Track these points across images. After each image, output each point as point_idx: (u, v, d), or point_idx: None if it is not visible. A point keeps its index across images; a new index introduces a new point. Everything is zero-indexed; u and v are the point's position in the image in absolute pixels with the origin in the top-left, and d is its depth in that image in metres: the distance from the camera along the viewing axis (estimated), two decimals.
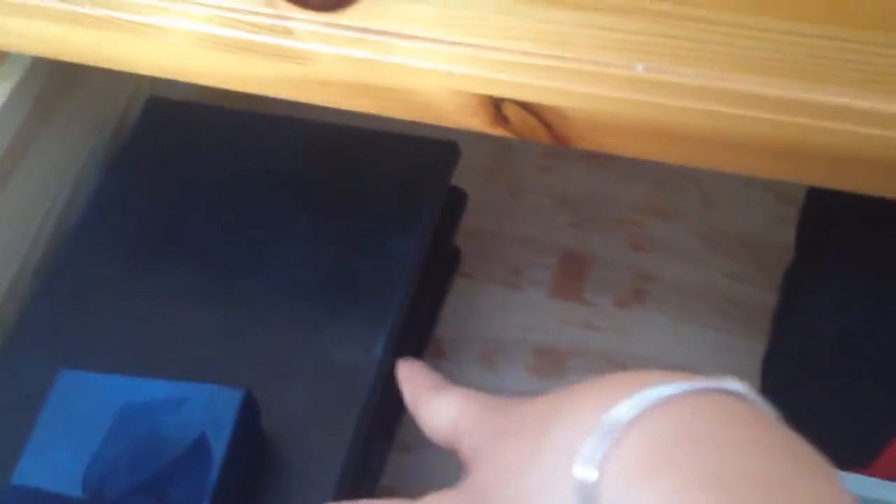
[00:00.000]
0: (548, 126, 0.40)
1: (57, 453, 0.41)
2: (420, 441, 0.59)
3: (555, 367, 0.62)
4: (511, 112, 0.40)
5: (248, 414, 0.43)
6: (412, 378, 0.39)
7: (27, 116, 0.52)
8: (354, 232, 0.52)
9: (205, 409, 0.42)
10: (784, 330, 0.50)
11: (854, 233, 0.49)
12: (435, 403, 0.37)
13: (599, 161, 0.71)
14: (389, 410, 0.53)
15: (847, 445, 0.50)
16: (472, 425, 0.34)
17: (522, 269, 0.66)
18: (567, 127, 0.40)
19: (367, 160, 0.55)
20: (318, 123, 0.57)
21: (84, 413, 0.42)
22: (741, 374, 0.58)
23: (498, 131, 0.41)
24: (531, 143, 0.71)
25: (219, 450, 0.41)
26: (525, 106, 0.39)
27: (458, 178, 0.61)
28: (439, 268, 0.57)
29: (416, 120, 0.42)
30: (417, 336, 0.57)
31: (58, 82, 0.53)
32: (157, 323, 0.50)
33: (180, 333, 0.49)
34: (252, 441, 0.44)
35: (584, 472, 0.25)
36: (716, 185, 0.69)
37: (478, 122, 0.41)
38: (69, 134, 0.55)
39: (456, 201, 0.58)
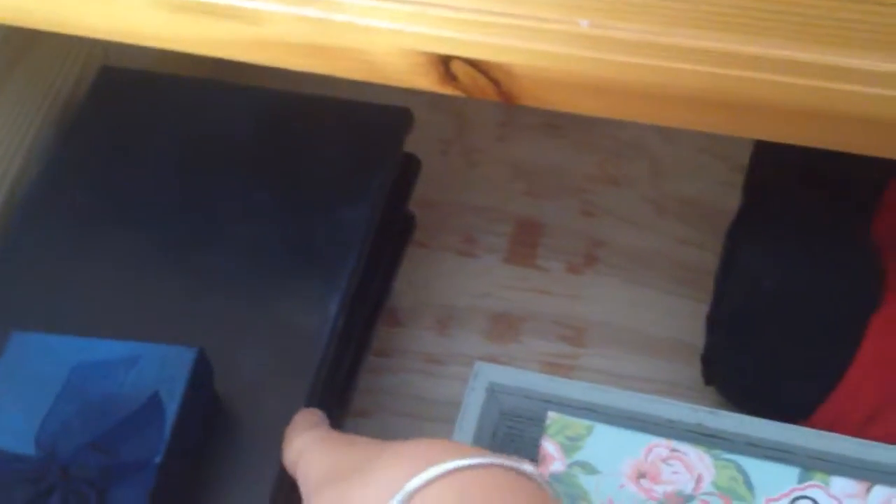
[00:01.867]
0: (496, 83, 0.41)
1: (10, 413, 0.41)
2: (378, 406, 0.60)
3: (509, 332, 0.63)
4: (459, 70, 0.41)
5: (202, 373, 0.43)
6: (298, 418, 0.43)
7: None
8: (308, 198, 0.53)
9: (158, 369, 0.42)
10: (726, 285, 0.51)
11: (793, 190, 0.50)
12: (292, 442, 0.41)
13: (553, 131, 0.72)
14: (342, 377, 0.54)
15: (789, 397, 0.52)
16: (305, 469, 0.38)
17: (477, 237, 0.67)
18: (514, 84, 0.40)
19: (321, 127, 0.55)
20: (271, 91, 0.57)
21: (37, 373, 0.42)
22: (691, 335, 0.60)
23: (447, 90, 0.42)
24: (486, 113, 0.73)
25: (172, 408, 0.41)
26: (473, 63, 0.40)
27: (414, 148, 0.62)
28: (393, 233, 0.58)
29: (366, 80, 0.43)
30: (372, 303, 0.57)
31: (10, 51, 0.53)
32: (112, 290, 0.50)
33: (134, 300, 0.49)
34: (205, 400, 0.45)
35: None
36: (667, 153, 0.70)
37: (427, 82, 0.42)
38: (22, 103, 0.55)
39: (410, 168, 0.59)
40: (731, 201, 0.65)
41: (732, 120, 0.39)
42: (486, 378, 0.51)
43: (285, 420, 0.45)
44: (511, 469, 0.32)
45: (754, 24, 0.37)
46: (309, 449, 0.39)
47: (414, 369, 0.62)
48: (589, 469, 0.46)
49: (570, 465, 0.46)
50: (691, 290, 0.64)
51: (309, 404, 0.46)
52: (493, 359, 0.60)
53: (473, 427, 0.50)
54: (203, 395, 0.44)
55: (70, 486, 0.38)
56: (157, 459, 0.40)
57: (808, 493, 0.44)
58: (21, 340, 0.44)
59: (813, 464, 0.47)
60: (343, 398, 0.55)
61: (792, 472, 0.45)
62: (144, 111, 0.57)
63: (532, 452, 0.54)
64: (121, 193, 0.54)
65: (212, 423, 0.45)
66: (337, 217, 0.52)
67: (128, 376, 0.42)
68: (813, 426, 0.48)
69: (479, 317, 0.64)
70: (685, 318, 0.62)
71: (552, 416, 0.48)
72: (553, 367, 0.61)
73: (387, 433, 0.59)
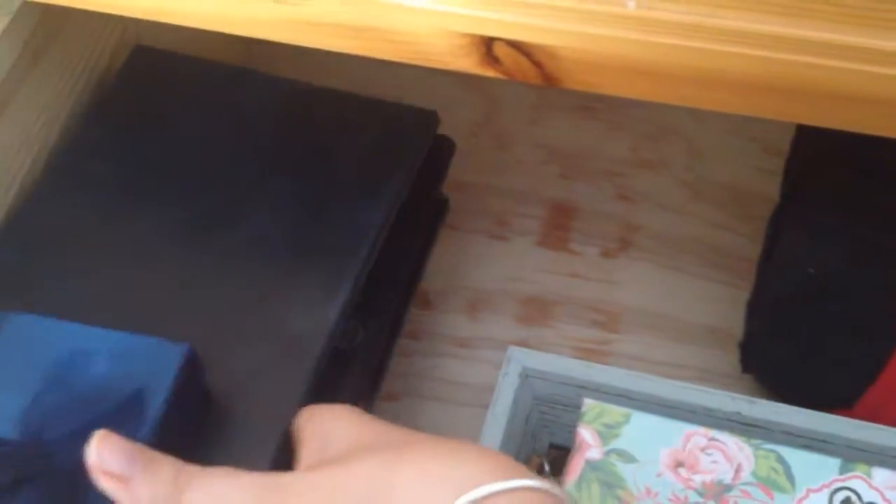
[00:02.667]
0: (538, 65, 0.40)
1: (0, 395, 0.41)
2: (408, 390, 0.60)
3: (541, 317, 0.62)
4: (501, 52, 0.40)
5: (191, 370, 0.42)
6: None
7: (14, 62, 0.51)
8: (324, 196, 0.52)
9: (147, 363, 0.41)
10: (768, 273, 0.50)
11: (836, 177, 0.49)
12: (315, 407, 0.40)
13: (587, 113, 0.71)
14: (374, 360, 0.53)
15: (829, 387, 0.51)
16: (328, 427, 0.38)
17: (509, 221, 0.66)
18: (557, 67, 0.40)
19: (347, 124, 0.54)
20: (300, 84, 0.57)
21: (29, 357, 0.42)
22: (726, 321, 0.60)
23: (489, 72, 0.41)
24: (519, 96, 0.72)
25: (156, 404, 0.40)
26: (516, 45, 0.39)
27: (446, 131, 0.61)
28: (426, 215, 0.57)
29: (407, 62, 0.42)
30: (403, 285, 0.57)
31: (45, 28, 0.53)
32: (118, 272, 0.49)
33: (139, 283, 0.49)
34: (194, 398, 0.44)
35: None
36: (702, 136, 0.69)
37: (469, 63, 0.41)
38: (56, 81, 0.55)
39: (444, 150, 0.58)
40: (767, 185, 0.64)
41: (781, 105, 0.39)
42: (520, 363, 0.51)
43: (278, 420, 0.44)
44: (543, 491, 0.31)
45: (803, 7, 0.37)
46: (335, 415, 0.38)
47: (444, 353, 0.61)
48: (626, 457, 0.45)
49: (608, 453, 0.46)
50: (726, 275, 0.63)
51: (303, 405, 0.44)
52: (524, 343, 0.60)
53: (506, 412, 0.50)
54: (192, 392, 0.43)
55: (54, 473, 0.38)
56: None
57: (849, 484, 0.44)
58: (17, 321, 0.43)
59: (854, 455, 0.46)
60: (374, 381, 0.55)
61: (833, 463, 0.44)
62: (173, 93, 0.57)
63: (565, 438, 0.53)
64: (140, 175, 0.53)
65: (202, 420, 0.44)
66: (350, 218, 0.51)
67: (116, 368, 0.41)
68: (853, 417, 0.47)
69: (510, 301, 0.63)
70: (720, 304, 0.62)
71: (588, 403, 0.47)
72: (585, 353, 0.61)
73: (416, 416, 0.59)
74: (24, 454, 0.38)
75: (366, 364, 0.52)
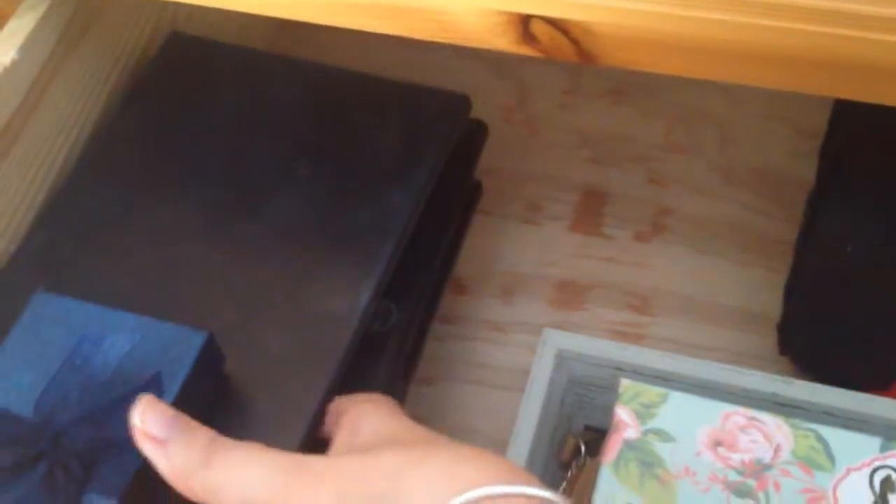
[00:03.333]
0: (575, 43, 0.40)
1: (19, 373, 0.41)
2: (443, 374, 0.60)
3: (575, 301, 0.62)
4: (538, 29, 0.40)
5: (209, 358, 0.42)
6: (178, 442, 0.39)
7: (53, 47, 0.52)
8: (356, 180, 0.52)
9: (165, 349, 0.41)
10: (806, 253, 0.50)
11: (874, 156, 0.49)
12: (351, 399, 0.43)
13: (619, 98, 0.71)
14: (409, 344, 0.53)
15: (869, 367, 0.51)
16: (359, 422, 0.40)
17: (542, 205, 0.66)
18: (594, 43, 0.40)
19: (378, 108, 0.54)
20: (332, 68, 0.57)
21: (50, 337, 0.42)
22: (760, 304, 0.59)
23: (525, 50, 0.41)
24: (551, 80, 0.72)
25: (172, 390, 0.40)
26: (552, 22, 0.39)
27: (478, 115, 0.61)
28: (460, 199, 0.57)
29: (443, 41, 0.42)
30: (438, 270, 0.57)
31: (83, 14, 0.53)
32: (148, 256, 0.50)
33: (168, 268, 0.49)
34: (212, 385, 0.44)
35: None
36: (735, 119, 0.69)
37: (505, 42, 0.41)
38: (93, 66, 0.55)
39: (478, 134, 0.59)
40: (800, 168, 0.64)
41: (819, 79, 0.38)
42: (555, 345, 0.51)
43: (302, 407, 0.44)
44: (540, 499, 0.32)
45: None
46: (369, 407, 0.40)
47: (479, 337, 0.61)
48: (664, 436, 0.45)
49: (645, 433, 0.45)
50: (760, 258, 0.63)
51: (329, 394, 0.45)
52: (559, 327, 0.59)
53: (542, 394, 0.50)
54: (208, 380, 0.43)
55: (58, 456, 0.38)
56: None
57: (889, 462, 0.43)
58: (42, 301, 0.43)
59: (893, 434, 0.46)
60: (409, 365, 0.55)
61: (873, 442, 0.44)
62: (208, 79, 0.57)
63: (601, 419, 0.53)
64: (172, 161, 0.53)
65: (220, 407, 0.44)
66: (381, 202, 0.51)
67: (134, 353, 0.41)
68: (892, 397, 0.47)
69: (544, 285, 0.63)
70: (754, 287, 0.61)
71: (625, 383, 0.47)
72: (619, 336, 0.60)
73: (451, 400, 0.59)
74: (35, 435, 0.39)
75: (399, 348, 0.52)
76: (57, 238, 0.51)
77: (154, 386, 0.40)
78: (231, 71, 0.58)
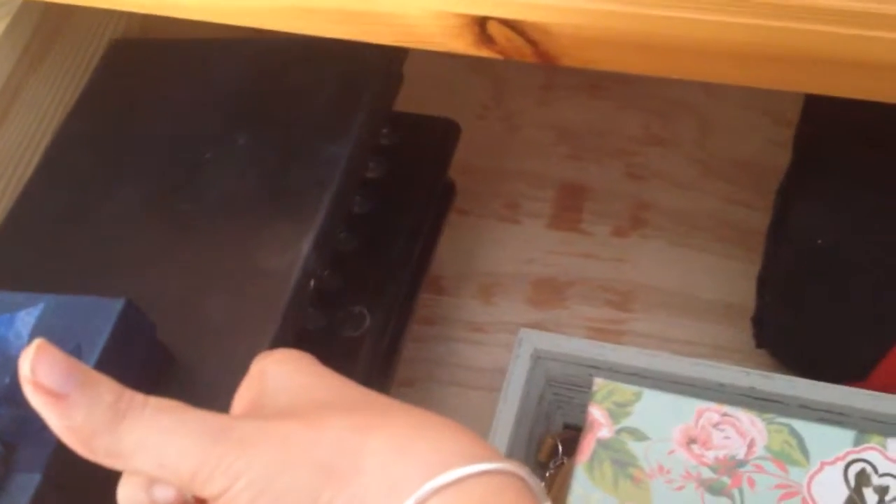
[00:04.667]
0: (533, 44, 0.40)
1: None
2: (423, 375, 0.60)
3: (555, 298, 0.62)
4: (495, 31, 0.40)
5: (131, 326, 0.41)
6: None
7: (17, 62, 0.52)
8: (290, 141, 0.52)
9: (83, 321, 0.40)
10: (777, 245, 0.50)
11: (845, 147, 0.48)
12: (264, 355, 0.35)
13: (596, 92, 0.70)
14: (385, 346, 0.53)
15: (842, 359, 0.51)
16: (279, 379, 0.33)
17: (520, 203, 0.66)
18: (552, 43, 0.39)
19: (311, 70, 0.54)
20: (271, 40, 0.56)
21: None
22: (740, 297, 0.59)
23: (483, 52, 0.41)
24: (527, 77, 0.71)
25: (89, 361, 0.39)
26: (509, 24, 0.39)
27: (453, 113, 0.61)
28: (433, 199, 0.57)
29: (401, 45, 0.42)
30: (414, 271, 0.57)
31: (45, 29, 0.53)
32: (97, 243, 0.50)
33: (117, 251, 0.50)
34: (138, 353, 0.42)
35: None
36: (714, 112, 0.68)
37: (463, 45, 0.41)
38: (58, 77, 0.55)
39: (449, 133, 0.58)
40: (780, 159, 0.63)
41: (781, 74, 0.38)
42: (531, 345, 0.51)
43: (247, 369, 0.43)
44: (514, 475, 0.30)
45: None
46: (276, 361, 0.33)
47: (458, 338, 0.61)
48: (638, 435, 0.45)
49: (619, 431, 0.45)
50: (740, 250, 0.62)
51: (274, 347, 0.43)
52: (538, 325, 0.60)
53: (519, 394, 0.49)
54: (136, 348, 0.42)
55: None
56: None
57: (864, 455, 0.43)
58: None
59: (869, 426, 0.45)
60: (387, 367, 0.55)
61: (847, 435, 0.44)
62: (148, 78, 0.58)
63: (579, 418, 0.53)
64: (118, 159, 0.54)
65: (160, 377, 0.43)
66: (317, 157, 0.50)
67: (51, 326, 0.40)
68: (867, 388, 0.46)
69: (523, 283, 0.63)
70: (734, 280, 0.61)
71: (599, 382, 0.47)
72: (600, 333, 0.60)
73: (432, 402, 0.59)
74: None
75: (374, 351, 0.52)
76: (16, 244, 0.51)
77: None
78: (172, 64, 0.58)
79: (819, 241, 0.46)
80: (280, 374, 0.32)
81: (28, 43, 0.52)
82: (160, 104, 0.56)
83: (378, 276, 0.52)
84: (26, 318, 0.41)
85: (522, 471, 0.30)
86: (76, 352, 0.40)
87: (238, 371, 0.42)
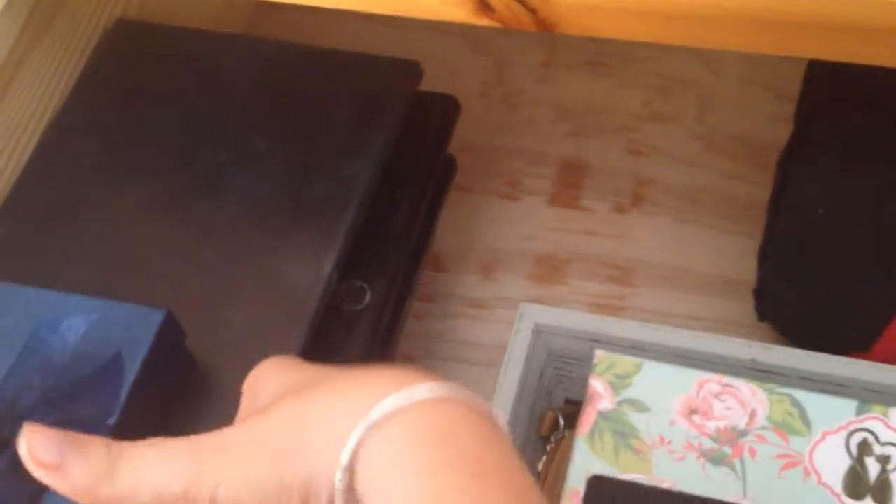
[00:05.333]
0: (532, 11, 0.39)
1: None
2: (424, 352, 0.60)
3: (555, 275, 0.62)
4: None
5: (168, 336, 0.42)
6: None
7: (17, 38, 0.51)
8: (310, 153, 0.52)
9: (124, 329, 0.41)
10: (778, 216, 0.50)
11: (845, 118, 0.48)
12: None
13: (597, 69, 0.70)
14: (387, 322, 0.53)
15: (845, 330, 0.50)
16: (257, 388, 0.36)
17: (521, 180, 0.66)
18: (551, 11, 0.39)
19: (328, 81, 0.54)
20: (282, 43, 0.56)
21: (7, 326, 0.42)
22: (741, 272, 0.59)
23: (483, 21, 0.41)
24: (528, 54, 0.71)
25: (132, 370, 0.40)
26: None
27: (454, 91, 0.61)
28: (434, 175, 0.57)
29: (400, 14, 0.42)
30: (414, 248, 0.57)
31: (47, 4, 0.53)
32: (109, 242, 0.50)
33: (129, 250, 0.49)
34: (173, 362, 0.44)
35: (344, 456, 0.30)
36: (714, 87, 0.68)
37: (462, 13, 0.40)
38: (58, 56, 0.55)
39: (450, 110, 0.58)
40: (781, 134, 0.63)
41: (780, 40, 0.38)
42: (532, 319, 0.51)
43: None
44: (452, 400, 0.31)
45: None
46: (265, 368, 0.37)
47: (459, 314, 0.61)
48: (639, 406, 0.45)
49: (620, 403, 0.45)
50: (741, 225, 0.62)
51: None
52: (539, 301, 0.59)
53: (520, 368, 0.49)
54: (170, 357, 0.43)
55: None
56: (112, 421, 0.39)
57: (866, 425, 0.43)
58: (0, 290, 0.43)
59: (870, 397, 0.45)
60: (387, 343, 0.55)
61: (849, 405, 0.44)
62: (156, 63, 0.57)
63: (580, 392, 0.53)
64: (127, 147, 0.53)
65: (184, 384, 0.44)
66: (339, 173, 0.50)
67: (93, 335, 0.41)
68: (870, 359, 0.46)
69: (524, 260, 0.63)
70: (735, 255, 0.61)
71: (600, 354, 0.47)
72: (601, 308, 0.60)
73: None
74: None
75: (374, 327, 0.51)
76: (15, 230, 0.50)
77: (114, 365, 0.40)
78: (179, 53, 0.57)
79: (820, 211, 0.46)
80: (266, 378, 0.35)
81: (29, 16, 0.52)
82: (170, 94, 0.55)
83: (379, 251, 0.52)
84: (76, 325, 0.41)
85: (461, 392, 0.31)
86: (117, 360, 0.40)
87: None
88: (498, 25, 0.41)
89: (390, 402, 0.30)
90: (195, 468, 0.32)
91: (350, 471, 0.29)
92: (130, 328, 0.41)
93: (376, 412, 0.29)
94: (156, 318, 0.42)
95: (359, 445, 0.29)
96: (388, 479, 0.29)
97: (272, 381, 0.35)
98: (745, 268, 0.60)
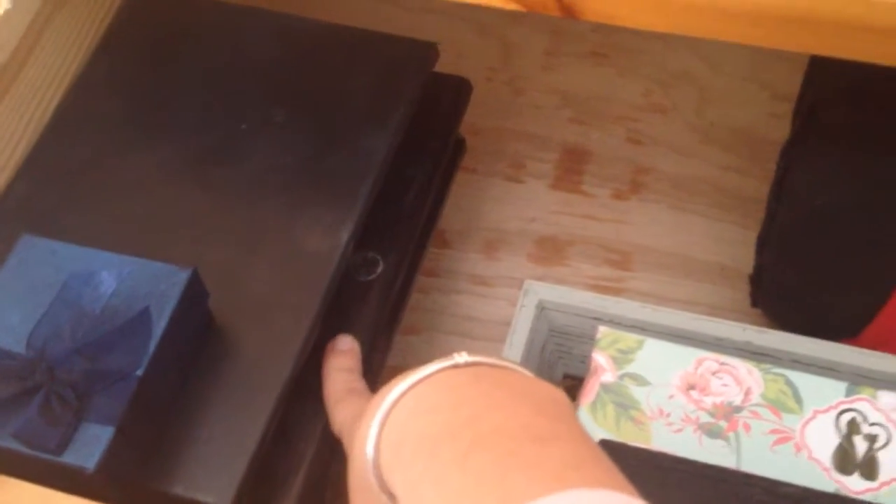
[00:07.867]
0: None
1: (8, 312, 0.43)
2: (427, 324, 0.62)
3: (556, 256, 0.64)
4: None
5: (194, 293, 0.44)
6: (333, 376, 0.47)
7: (39, 8, 0.53)
8: (330, 124, 0.53)
9: (152, 285, 0.43)
10: (777, 206, 0.52)
11: (844, 113, 0.50)
12: (334, 412, 0.46)
13: (600, 59, 0.72)
14: (395, 295, 0.55)
15: (836, 316, 0.53)
16: (342, 416, 0.45)
17: (524, 163, 0.68)
18: None
19: (348, 57, 0.56)
20: (301, 19, 0.58)
21: (38, 277, 0.44)
22: (735, 260, 0.61)
23: (510, 5, 0.42)
24: (533, 41, 0.73)
25: (160, 324, 0.42)
26: None
27: (461, 74, 0.62)
28: (444, 154, 0.59)
29: None
30: (422, 224, 0.58)
31: None
32: (128, 203, 0.51)
33: (149, 213, 0.51)
34: (197, 319, 0.45)
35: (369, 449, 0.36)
36: (714, 82, 0.70)
37: None
38: (82, 17, 0.56)
39: (461, 91, 0.60)
40: (777, 129, 0.65)
41: (788, 35, 0.40)
42: (536, 296, 0.53)
43: (288, 343, 0.46)
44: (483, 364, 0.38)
45: None
46: (345, 415, 0.45)
47: (462, 290, 0.63)
48: (640, 380, 0.47)
49: (622, 377, 0.47)
50: (735, 215, 0.64)
51: (313, 330, 0.47)
52: (539, 281, 0.61)
53: (523, 343, 0.51)
54: (194, 315, 0.45)
55: (54, 387, 0.40)
56: (139, 372, 0.41)
57: (855, 405, 0.45)
58: (29, 244, 0.45)
59: (859, 381, 0.48)
60: (395, 313, 0.56)
61: (840, 386, 0.46)
62: (177, 31, 0.58)
63: (579, 368, 0.55)
64: (148, 111, 0.54)
65: (204, 342, 0.46)
66: (357, 146, 0.52)
67: (122, 290, 0.43)
68: (860, 345, 0.49)
69: (526, 240, 0.65)
70: (729, 244, 0.63)
71: (603, 330, 0.49)
72: (599, 290, 0.62)
73: (434, 350, 0.61)
74: (29, 368, 0.40)
75: (385, 297, 0.53)
76: (38, 189, 0.52)
77: (143, 319, 0.41)
78: (200, 22, 0.58)
79: (817, 201, 0.48)
80: (342, 408, 0.45)
81: None
82: (191, 62, 0.56)
83: (392, 225, 0.53)
84: (108, 280, 0.42)
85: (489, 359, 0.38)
86: (145, 314, 0.42)
87: (277, 343, 0.46)
88: (522, 10, 0.42)
89: (398, 389, 0.36)
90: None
91: (377, 449, 0.35)
92: (158, 285, 0.43)
93: (387, 401, 0.35)
94: (183, 275, 0.43)
95: (381, 426, 0.35)
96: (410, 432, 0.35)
97: (348, 410, 0.44)
98: (739, 256, 0.62)
